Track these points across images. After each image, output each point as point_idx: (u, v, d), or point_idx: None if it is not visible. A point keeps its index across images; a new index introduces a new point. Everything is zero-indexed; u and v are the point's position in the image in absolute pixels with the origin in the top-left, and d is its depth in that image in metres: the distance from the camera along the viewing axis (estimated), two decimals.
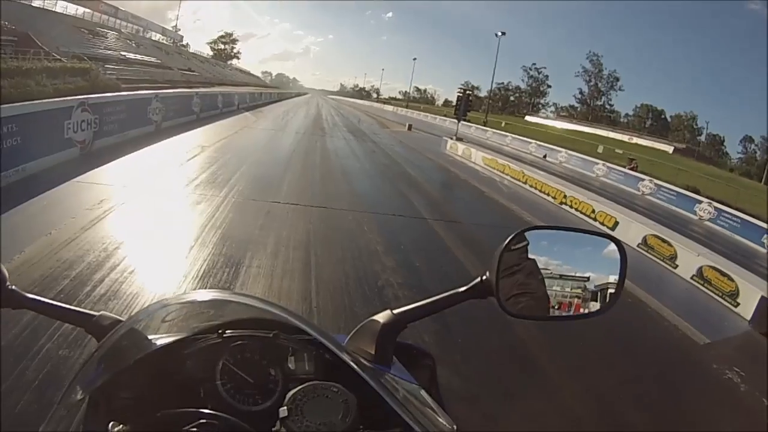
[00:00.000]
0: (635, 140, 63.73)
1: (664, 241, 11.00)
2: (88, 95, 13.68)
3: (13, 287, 1.19)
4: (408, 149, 26.44)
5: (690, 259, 10.21)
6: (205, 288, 5.80)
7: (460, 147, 26.22)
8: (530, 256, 1.21)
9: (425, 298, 1.23)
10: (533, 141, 40.29)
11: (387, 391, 0.99)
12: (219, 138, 18.92)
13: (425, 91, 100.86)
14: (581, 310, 1.21)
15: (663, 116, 71.59)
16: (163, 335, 1.28)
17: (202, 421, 1.03)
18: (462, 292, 1.22)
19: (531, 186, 17.63)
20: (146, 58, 41.84)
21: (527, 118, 77.67)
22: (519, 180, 18.63)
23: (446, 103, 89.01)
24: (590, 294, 1.21)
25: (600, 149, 46.12)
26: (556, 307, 1.21)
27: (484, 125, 51.27)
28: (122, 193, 9.37)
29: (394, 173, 17.31)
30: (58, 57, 25.96)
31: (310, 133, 26.52)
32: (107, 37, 40.37)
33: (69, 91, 17.63)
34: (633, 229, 11.97)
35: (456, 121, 35.00)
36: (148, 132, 17.18)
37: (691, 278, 9.98)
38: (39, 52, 24.89)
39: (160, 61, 44.51)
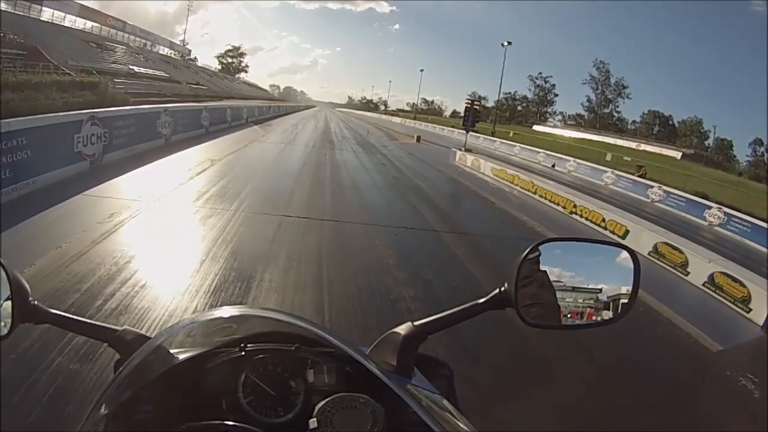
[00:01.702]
0: (643, 147, 63.49)
1: (674, 248, 10.93)
2: (97, 109, 13.85)
3: (36, 302, 1.19)
4: (417, 161, 26.36)
5: (701, 265, 10.12)
6: (218, 302, 5.77)
7: (469, 158, 26.17)
8: (545, 267, 1.23)
9: (445, 310, 1.26)
10: (541, 150, 40.30)
11: (413, 400, 1.00)
12: (229, 151, 18.89)
13: (432, 102, 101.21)
14: (595, 319, 1.24)
15: (670, 122, 71.56)
16: (187, 350, 1.32)
17: None
18: (481, 303, 1.24)
19: (540, 196, 17.50)
20: (155, 72, 42.16)
21: (535, 127, 77.51)
22: (528, 190, 18.50)
23: (454, 114, 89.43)
24: (603, 303, 1.24)
25: (608, 157, 46.02)
26: (569, 316, 1.23)
27: (492, 135, 51.31)
28: (133, 207, 9.31)
29: (404, 185, 17.21)
30: (67, 71, 26.09)
31: (319, 147, 26.48)
32: (115, 51, 40.69)
33: (78, 104, 17.83)
34: (644, 237, 11.85)
35: (464, 131, 35.01)
36: (157, 146, 17.19)
37: (703, 285, 9.86)
38: (48, 65, 25.14)
39: (168, 75, 44.80)
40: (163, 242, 7.93)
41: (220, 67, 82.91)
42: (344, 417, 0.99)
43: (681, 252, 10.68)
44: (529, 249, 1.22)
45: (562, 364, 5.73)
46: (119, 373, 1.07)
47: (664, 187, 26.61)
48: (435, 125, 65.94)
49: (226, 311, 1.21)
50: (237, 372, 1.29)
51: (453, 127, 57.88)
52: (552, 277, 1.24)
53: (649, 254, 11.34)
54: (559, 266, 1.25)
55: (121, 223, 8.31)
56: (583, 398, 5.12)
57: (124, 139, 14.38)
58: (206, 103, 30.21)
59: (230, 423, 1.11)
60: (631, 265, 1.25)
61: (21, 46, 26.24)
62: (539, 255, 1.24)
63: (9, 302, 1.16)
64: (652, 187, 27.39)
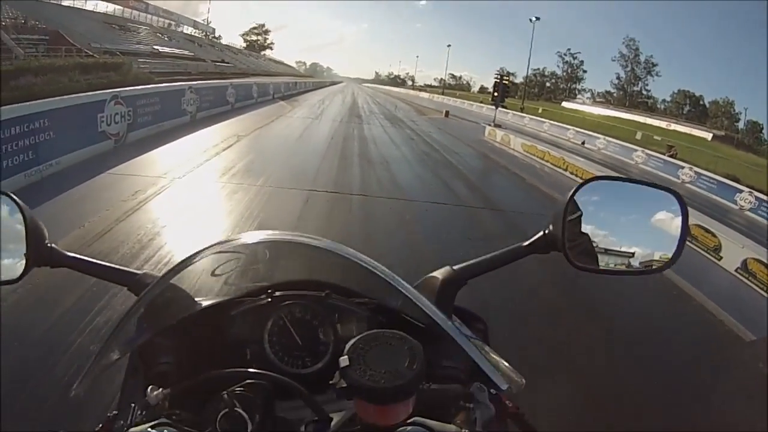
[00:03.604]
0: (673, 127, 61.06)
1: (707, 231, 10.20)
2: (121, 88, 13.67)
3: (53, 245, 1.16)
4: (446, 136, 25.67)
5: (734, 250, 9.48)
6: None
7: (499, 133, 25.40)
8: (591, 208, 1.18)
9: (486, 254, 1.22)
10: (571, 127, 39.07)
11: (459, 337, 0.98)
12: (255, 127, 18.69)
13: (460, 77, 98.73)
14: (641, 266, 1.18)
15: (701, 102, 68.49)
16: (210, 297, 1.26)
17: (248, 381, 0.97)
18: (525, 246, 1.21)
19: (571, 173, 16.82)
20: (179, 51, 41.69)
21: (564, 104, 75.13)
22: (559, 167, 17.80)
23: (482, 89, 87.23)
24: (650, 250, 1.18)
25: (638, 136, 44.53)
26: (614, 262, 1.18)
27: (521, 111, 50.03)
28: (158, 184, 9.15)
29: (433, 160, 16.75)
30: (90, 53, 25.94)
31: (346, 121, 26.02)
32: (139, 32, 40.46)
33: (102, 85, 17.42)
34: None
35: (493, 107, 34.31)
36: (183, 123, 17.11)
37: (736, 271, 9.27)
38: (71, 49, 24.82)
39: (192, 53, 44.20)
40: (187, 219, 7.72)
41: (245, 44, 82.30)
42: (378, 354, 0.88)
43: (714, 235, 10.08)
44: (574, 189, 1.17)
45: (585, 349, 5.49)
46: (128, 312, 1.02)
47: (695, 168, 25.47)
48: (463, 100, 64.76)
49: (249, 237, 1.14)
50: (263, 320, 1.25)
51: (481, 102, 56.62)
52: (597, 219, 1.19)
53: None
54: (604, 207, 1.20)
55: (146, 200, 8.17)
56: (606, 382, 4.87)
57: (148, 117, 14.33)
58: (232, 79, 29.79)
59: (252, 370, 1.02)
60: (679, 211, 1.18)
61: (43, 31, 25.88)
62: (584, 196, 1.18)
63: (24, 244, 1.13)
64: (682, 167, 26.14)
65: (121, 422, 0.98)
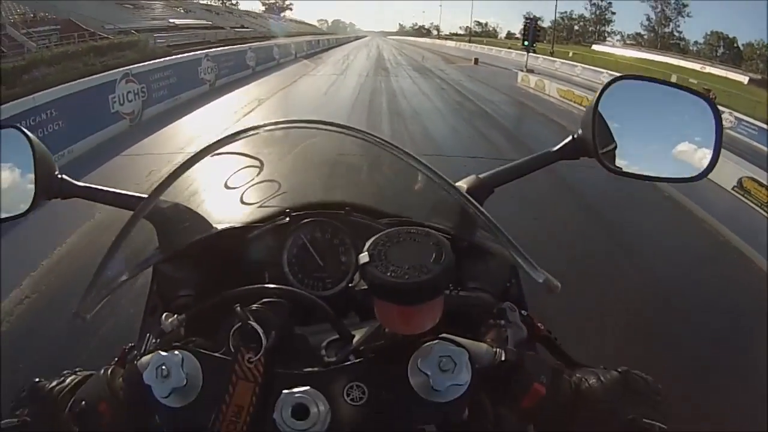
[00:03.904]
0: (708, 69, 57.39)
1: (762, 185, 9.16)
2: (131, 66, 13.25)
3: (63, 176, 1.13)
4: (478, 84, 24.37)
5: None
6: None
7: (533, 79, 24.02)
8: (621, 110, 1.11)
9: (511, 161, 1.20)
10: (604, 71, 36.71)
11: (495, 229, 0.91)
12: (277, 89, 18.01)
13: (486, 24, 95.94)
14: (676, 174, 1.15)
15: (735, 45, 64.63)
16: (223, 210, 1.31)
17: (266, 300, 0.89)
18: (553, 152, 1.16)
19: None
20: (196, 22, 41.02)
21: (594, 47, 71.45)
22: None
23: (509, 35, 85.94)
24: (685, 157, 1.13)
25: (674, 78, 42.42)
26: (649, 167, 1.13)
27: (551, 56, 47.71)
28: (174, 161, 8.41)
29: (468, 111, 15.71)
30: (105, 35, 25.32)
31: (372, 75, 24.82)
32: (153, 8, 39.83)
33: (119, 65, 16.59)
34: (727, 170, 9.70)
35: (522, 52, 33.23)
36: (202, 92, 16.62)
37: None
38: (84, 34, 24.34)
39: (210, 22, 43.47)
40: (203, 198, 7.02)
41: (264, 8, 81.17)
42: (401, 250, 0.78)
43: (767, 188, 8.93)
44: (601, 89, 1.09)
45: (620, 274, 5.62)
46: (127, 225, 0.95)
47: (735, 113, 23.33)
48: (491, 47, 62.52)
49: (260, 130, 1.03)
50: (281, 241, 1.22)
51: (510, 48, 54.91)
52: (628, 123, 1.12)
53: (733, 189, 9.70)
54: (634, 111, 1.13)
55: (159, 181, 7.48)
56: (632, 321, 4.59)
57: (164, 91, 13.95)
58: (251, 43, 29.07)
59: (270, 286, 0.95)
60: (712, 119, 1.11)
61: (53, 21, 25.52)
62: (612, 98, 1.10)
63: (33, 177, 1.09)
64: (722, 112, 24.21)
65: (135, 353, 0.98)
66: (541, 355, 1.02)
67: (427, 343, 0.78)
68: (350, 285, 0.91)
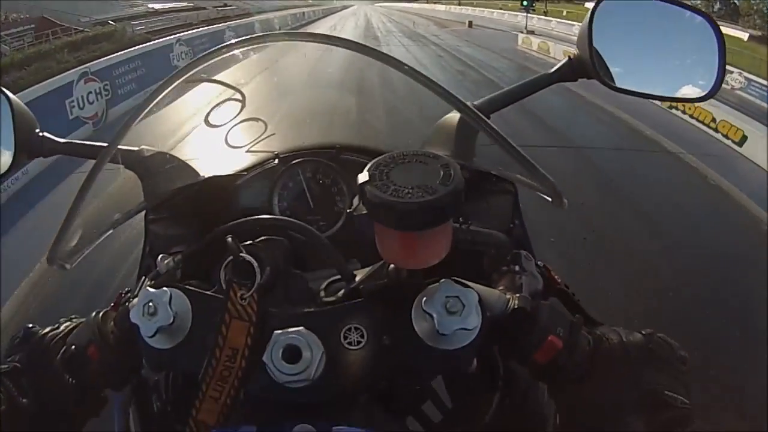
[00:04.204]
0: None
1: None
2: (88, 63, 12.12)
3: (45, 134, 1.08)
4: (476, 49, 22.86)
5: None
6: None
7: (535, 41, 22.55)
8: (618, 29, 1.06)
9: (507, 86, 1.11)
10: None
11: (502, 142, 0.81)
12: (259, 70, 16.54)
13: None
14: (679, 93, 1.10)
15: (732, 0, 63.86)
16: (207, 153, 1.25)
17: (262, 238, 0.84)
18: (550, 74, 1.07)
19: None
20: (176, 5, 40.17)
21: (587, 5, 70.18)
22: None
23: None
24: (687, 76, 1.08)
25: None
26: (651, 85, 1.07)
27: (545, 15, 45.91)
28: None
29: (471, 81, 14.39)
30: (80, 29, 24.67)
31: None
32: None
33: (94, 58, 15.29)
34: (764, 145, 8.88)
35: (516, 13, 32.65)
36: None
37: None
38: (57, 30, 23.61)
39: (192, 3, 42.29)
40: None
41: None
42: (406, 171, 0.69)
43: None
44: (593, 6, 1.01)
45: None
46: (94, 168, 0.87)
47: (745, 74, 21.03)
48: (482, 8, 59.45)
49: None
50: (271, 184, 1.21)
51: (501, 9, 52.29)
52: (626, 42, 1.07)
53: None
54: (632, 29, 1.08)
55: (127, 193, 6.64)
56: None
57: (132, 85, 12.87)
58: (230, 22, 28.59)
59: (265, 216, 0.94)
60: (713, 37, 1.03)
61: (27, 21, 24.98)
62: (607, 16, 1.02)
63: (12, 136, 1.03)
64: (731, 72, 21.92)
65: (129, 296, 0.92)
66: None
67: (433, 284, 0.73)
68: (349, 210, 0.86)
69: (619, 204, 6.67)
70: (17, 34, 22.89)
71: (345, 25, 40.57)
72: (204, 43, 18.75)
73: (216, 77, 1.16)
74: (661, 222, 6.20)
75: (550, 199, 0.82)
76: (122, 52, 14.56)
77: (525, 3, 29.85)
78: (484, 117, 0.83)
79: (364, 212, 0.68)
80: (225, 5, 46.84)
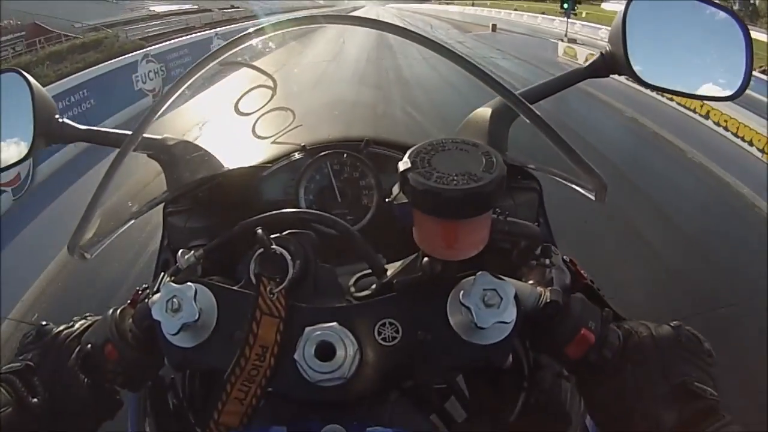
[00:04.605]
0: None
1: None
2: (149, 47, 14.66)
3: (64, 120, 1.07)
4: (513, 62, 19.60)
5: None
6: None
7: (581, 52, 18.57)
8: (646, 25, 1.04)
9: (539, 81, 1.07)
10: None
11: (546, 129, 0.80)
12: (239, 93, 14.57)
13: None
14: (709, 92, 1.08)
15: (752, 1, 62.90)
16: (235, 141, 1.25)
17: (290, 231, 0.82)
18: (582, 70, 1.09)
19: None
20: (180, 7, 39.20)
21: (603, 5, 68.02)
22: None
23: None
24: (716, 75, 1.07)
25: None
26: (681, 85, 1.09)
27: (576, 16, 43.39)
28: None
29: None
30: (72, 35, 24.00)
31: (375, 59, 19.11)
32: None
33: (77, 69, 14.21)
34: None
35: (536, 15, 30.99)
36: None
37: None
38: (50, 37, 23.17)
39: (196, 6, 41.42)
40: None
41: None
42: (447, 159, 0.68)
43: None
44: (627, 2, 1.02)
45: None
46: (117, 157, 0.86)
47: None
48: (498, 9, 56.19)
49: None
50: (297, 177, 1.19)
51: (516, 10, 49.56)
52: (654, 39, 1.05)
53: None
54: (660, 27, 1.06)
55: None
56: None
57: (181, 69, 12.05)
58: (224, 26, 27.87)
59: (291, 210, 0.92)
60: (739, 34, 1.04)
61: (18, 28, 24.15)
62: (638, 13, 1.03)
63: (31, 120, 1.03)
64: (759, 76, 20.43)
65: (148, 292, 0.88)
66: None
67: (469, 276, 0.73)
68: (387, 200, 0.71)
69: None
70: (7, 42, 22.33)
71: (354, 29, 37.30)
72: (184, 56, 16.01)
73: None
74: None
75: (590, 195, 0.83)
76: (174, 41, 16.16)
77: (566, 6, 24.66)
78: (530, 106, 0.80)
79: (405, 201, 0.66)
80: (232, 6, 46.12)
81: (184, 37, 20.23)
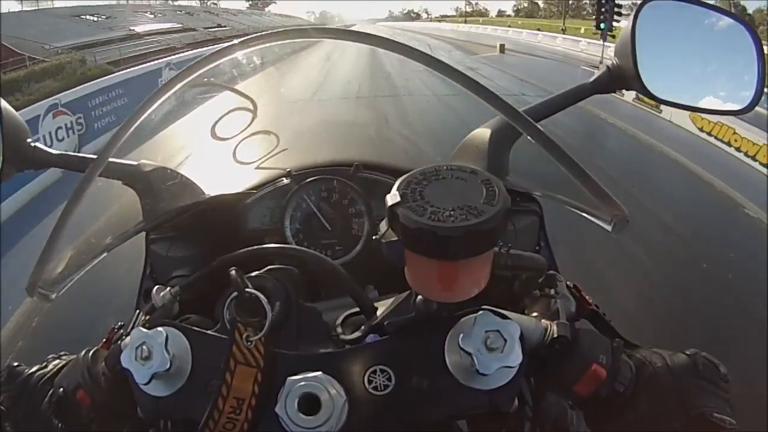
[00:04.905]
0: None
1: None
2: (61, 93, 10.92)
3: (36, 144, 1.00)
4: (533, 90, 15.80)
5: None
6: None
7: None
8: (654, 36, 1.00)
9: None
10: None
11: (556, 150, 0.74)
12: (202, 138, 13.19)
13: (476, 3, 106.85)
14: (719, 106, 1.07)
15: (747, 12, 60.90)
16: (214, 168, 1.20)
17: (269, 267, 0.77)
18: (589, 84, 1.02)
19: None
20: (163, 26, 38.32)
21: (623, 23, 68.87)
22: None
23: (500, 13, 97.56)
24: (727, 88, 1.05)
25: None
26: (691, 99, 1.05)
27: (563, 33, 40.93)
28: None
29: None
30: (39, 58, 22.78)
31: (367, 89, 16.58)
32: (115, 17, 36.73)
33: (33, 101, 12.48)
34: None
35: (536, 32, 29.66)
36: (165, 108, 12.56)
37: None
38: (18, 60, 21.91)
39: (181, 25, 40.95)
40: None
41: (248, 5, 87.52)
42: (443, 188, 0.61)
43: None
44: (634, 14, 0.98)
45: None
46: (81, 185, 0.83)
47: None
48: (495, 26, 55.46)
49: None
50: (282, 204, 1.15)
51: (509, 26, 50.44)
52: (662, 51, 1.01)
53: None
54: (668, 38, 1.04)
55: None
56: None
57: (111, 117, 11.78)
58: (196, 48, 27.18)
59: (273, 246, 0.87)
60: (751, 45, 1.00)
61: None
62: (645, 24, 0.99)
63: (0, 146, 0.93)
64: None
65: (121, 332, 0.87)
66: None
67: (469, 315, 0.68)
68: (375, 237, 0.65)
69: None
70: None
71: (345, 52, 28.73)
72: (140, 89, 13.26)
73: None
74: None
75: (606, 227, 0.76)
76: (104, 78, 13.45)
77: (603, 26, 21.33)
78: (537, 125, 0.75)
79: (394, 239, 0.60)
80: (218, 26, 46.22)
81: (136, 68, 16.86)
